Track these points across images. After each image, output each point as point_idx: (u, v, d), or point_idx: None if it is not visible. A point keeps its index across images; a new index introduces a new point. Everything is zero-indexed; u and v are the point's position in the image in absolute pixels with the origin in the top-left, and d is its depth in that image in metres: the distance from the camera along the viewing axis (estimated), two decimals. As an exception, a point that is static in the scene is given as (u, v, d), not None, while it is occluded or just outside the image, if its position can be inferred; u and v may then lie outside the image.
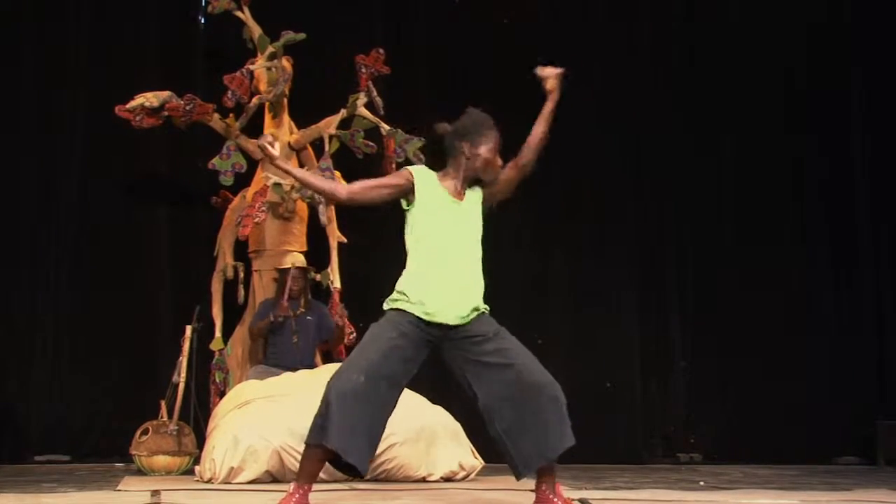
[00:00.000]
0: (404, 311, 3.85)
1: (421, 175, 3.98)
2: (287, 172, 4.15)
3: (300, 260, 6.81)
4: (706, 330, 8.50)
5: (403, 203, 3.98)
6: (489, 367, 3.84)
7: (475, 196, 4.04)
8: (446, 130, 4.06)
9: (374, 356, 3.78)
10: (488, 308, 3.95)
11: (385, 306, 3.92)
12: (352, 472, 3.84)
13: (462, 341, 3.88)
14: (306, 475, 3.79)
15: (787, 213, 8.75)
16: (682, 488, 5.45)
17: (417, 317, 3.84)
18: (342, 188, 4.05)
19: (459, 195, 3.99)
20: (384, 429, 3.84)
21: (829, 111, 8.77)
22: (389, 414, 3.84)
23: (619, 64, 8.58)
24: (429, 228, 3.92)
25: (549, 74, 4.04)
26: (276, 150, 3.96)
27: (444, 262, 3.88)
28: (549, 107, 4.03)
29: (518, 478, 3.86)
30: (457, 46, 8.30)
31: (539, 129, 4.04)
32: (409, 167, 4.05)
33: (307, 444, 3.77)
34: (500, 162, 4.03)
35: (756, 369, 8.31)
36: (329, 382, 3.75)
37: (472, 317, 3.89)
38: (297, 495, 3.75)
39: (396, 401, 3.86)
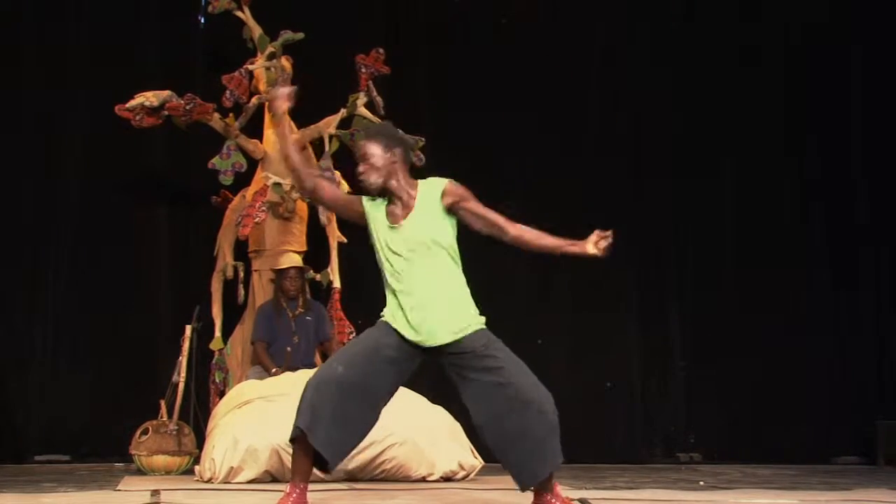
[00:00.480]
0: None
1: (370, 203, 3.89)
2: (280, 137, 4.05)
3: (296, 260, 6.80)
4: (706, 330, 8.49)
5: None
6: (477, 383, 3.76)
7: (425, 214, 3.80)
8: None
9: (358, 351, 3.80)
10: (479, 324, 3.82)
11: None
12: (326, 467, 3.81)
13: (449, 357, 3.81)
14: (299, 473, 3.79)
15: (787, 213, 8.74)
16: (682, 488, 5.45)
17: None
18: (311, 180, 3.99)
19: (395, 218, 3.82)
20: (368, 425, 3.80)
21: (829, 111, 8.76)
22: (375, 409, 3.79)
23: (618, 64, 8.57)
24: (380, 256, 3.85)
25: (600, 242, 3.76)
26: (284, 104, 3.96)
27: (396, 288, 3.79)
28: (571, 251, 3.80)
29: (521, 490, 3.81)
30: (457, 46, 8.30)
31: (544, 246, 3.84)
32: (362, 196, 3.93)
33: (290, 440, 3.77)
34: (362, 170, 3.84)
35: (756, 369, 8.30)
36: (310, 377, 3.78)
37: (446, 337, 3.76)
38: (294, 494, 3.75)
39: (384, 398, 3.81)
